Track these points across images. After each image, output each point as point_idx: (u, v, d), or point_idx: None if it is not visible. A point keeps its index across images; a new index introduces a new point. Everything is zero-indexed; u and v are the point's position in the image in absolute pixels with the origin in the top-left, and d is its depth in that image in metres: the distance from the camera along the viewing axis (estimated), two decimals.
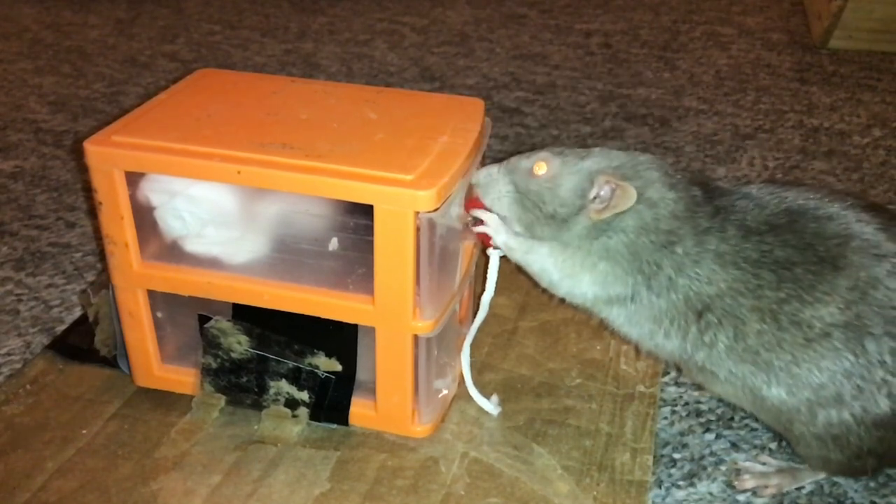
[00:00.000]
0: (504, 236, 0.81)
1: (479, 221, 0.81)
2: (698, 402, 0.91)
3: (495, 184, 0.80)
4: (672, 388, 0.92)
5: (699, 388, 0.92)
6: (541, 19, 2.14)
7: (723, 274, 0.74)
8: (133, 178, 0.78)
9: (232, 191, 0.78)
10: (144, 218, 0.80)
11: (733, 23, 2.13)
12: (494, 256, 0.84)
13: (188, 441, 0.82)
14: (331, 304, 0.78)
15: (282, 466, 0.80)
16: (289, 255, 0.80)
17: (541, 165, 0.78)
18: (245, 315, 0.81)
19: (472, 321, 0.87)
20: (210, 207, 0.79)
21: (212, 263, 0.80)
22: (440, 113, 0.84)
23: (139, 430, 0.83)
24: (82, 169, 1.33)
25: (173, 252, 0.81)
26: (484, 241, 0.82)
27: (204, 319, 0.82)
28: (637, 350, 0.96)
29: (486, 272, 0.85)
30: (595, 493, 0.78)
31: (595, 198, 0.76)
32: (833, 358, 0.71)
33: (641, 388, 0.91)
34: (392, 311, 0.76)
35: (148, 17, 2.07)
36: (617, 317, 0.80)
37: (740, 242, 0.74)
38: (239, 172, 0.73)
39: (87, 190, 1.28)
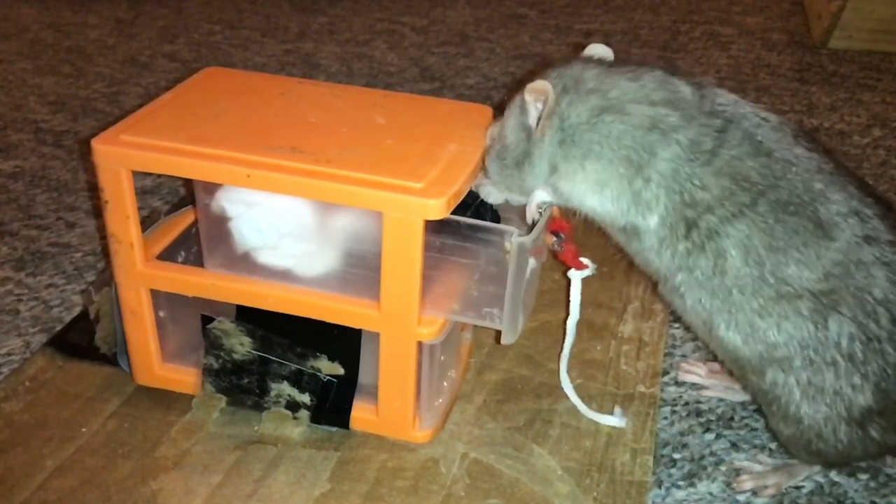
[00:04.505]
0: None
1: (562, 243, 0.79)
2: (698, 402, 0.91)
3: (484, 185, 0.80)
4: (672, 388, 0.93)
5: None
6: (541, 19, 2.14)
7: (716, 182, 0.70)
8: (209, 188, 0.78)
9: (310, 203, 0.77)
10: (216, 227, 0.79)
11: (733, 23, 2.13)
12: (576, 280, 0.82)
13: (188, 440, 0.82)
14: (336, 309, 0.78)
15: (282, 467, 0.80)
16: (362, 271, 0.78)
17: (489, 136, 0.79)
18: (248, 316, 0.81)
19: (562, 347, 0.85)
20: (289, 219, 0.78)
21: (284, 276, 0.79)
22: (448, 119, 0.84)
23: (139, 428, 0.83)
24: (84, 168, 1.34)
25: (245, 263, 0.80)
26: (566, 262, 0.81)
27: (207, 320, 0.82)
28: (637, 350, 0.97)
29: (568, 296, 0.83)
30: (595, 493, 0.78)
31: (535, 118, 0.74)
32: (795, 322, 0.71)
33: (641, 388, 0.91)
34: (397, 317, 0.76)
35: (148, 17, 2.07)
36: (632, 233, 0.76)
37: (745, 157, 0.70)
38: (248, 176, 0.73)
39: (88, 190, 1.28)
